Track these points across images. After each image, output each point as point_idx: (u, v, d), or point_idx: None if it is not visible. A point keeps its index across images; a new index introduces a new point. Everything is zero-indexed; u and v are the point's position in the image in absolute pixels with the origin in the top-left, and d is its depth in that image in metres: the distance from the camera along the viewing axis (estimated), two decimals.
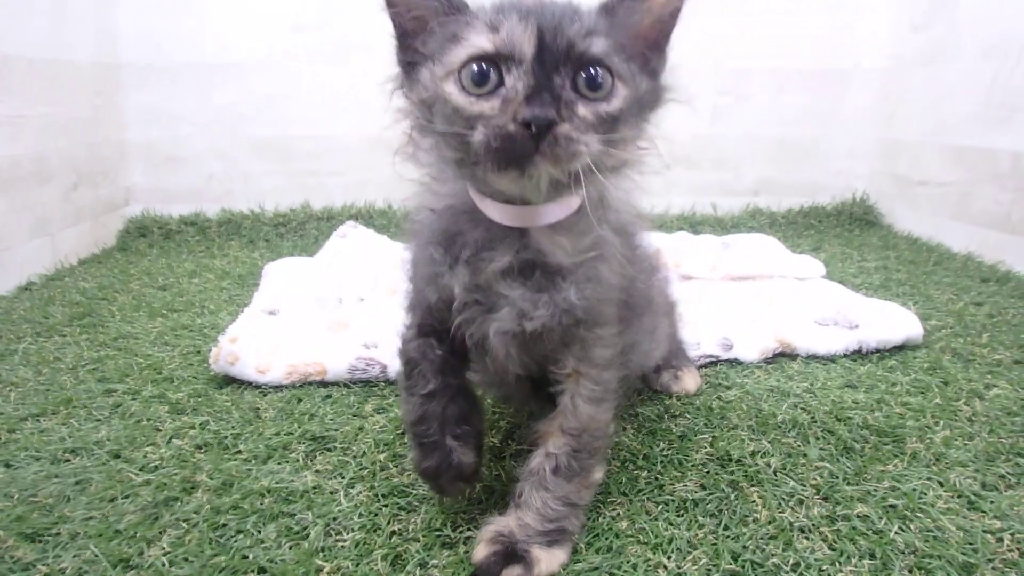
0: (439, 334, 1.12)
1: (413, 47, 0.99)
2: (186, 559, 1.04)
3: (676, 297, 1.59)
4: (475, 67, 0.90)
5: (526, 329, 1.02)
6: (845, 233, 3.26)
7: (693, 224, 3.26)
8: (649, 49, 0.99)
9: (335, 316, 1.98)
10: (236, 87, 3.29)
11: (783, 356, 1.79)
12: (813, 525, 1.11)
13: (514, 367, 1.09)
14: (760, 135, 3.49)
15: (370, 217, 3.26)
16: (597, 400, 1.08)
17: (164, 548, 1.06)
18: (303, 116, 3.32)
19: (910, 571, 1.02)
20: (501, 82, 0.89)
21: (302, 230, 3.25)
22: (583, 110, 0.89)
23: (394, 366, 1.64)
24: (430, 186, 1.09)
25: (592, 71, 0.90)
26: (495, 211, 1.00)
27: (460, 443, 1.08)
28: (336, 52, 3.25)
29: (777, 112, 3.47)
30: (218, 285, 2.47)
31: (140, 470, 1.28)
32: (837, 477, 1.24)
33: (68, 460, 1.32)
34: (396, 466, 1.29)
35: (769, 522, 1.12)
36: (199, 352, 1.84)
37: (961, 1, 2.88)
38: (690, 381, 1.59)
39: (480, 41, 0.90)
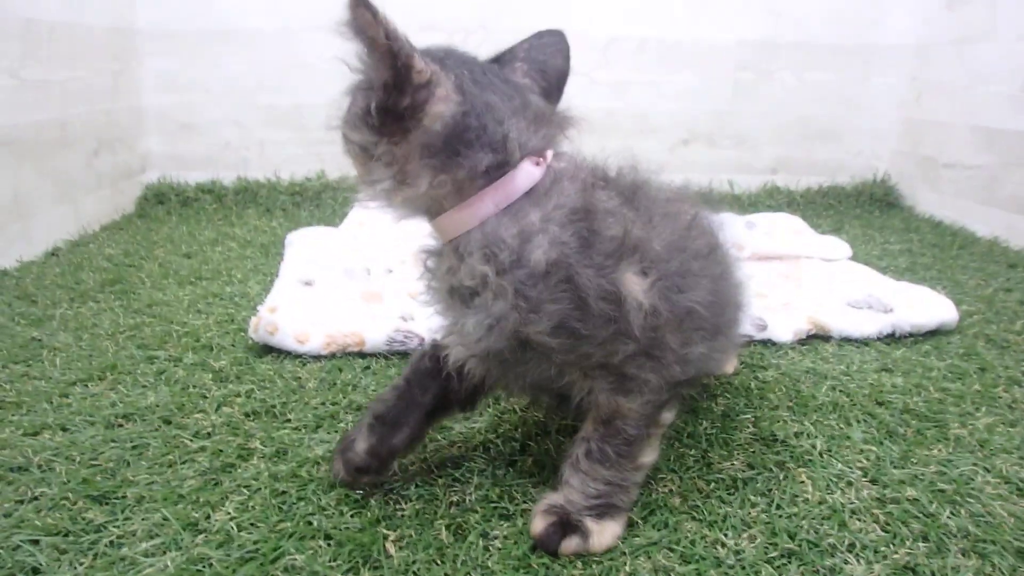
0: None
1: None
2: (252, 524, 1.05)
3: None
4: None
5: (464, 341, 1.06)
6: (865, 214, 3.26)
7: (709, 201, 3.25)
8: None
9: (367, 287, 1.99)
10: (251, 54, 3.27)
11: (816, 338, 1.80)
12: (864, 507, 1.12)
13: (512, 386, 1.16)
14: (781, 112, 3.47)
15: None
16: (626, 392, 1.05)
17: (229, 513, 1.07)
18: (318, 85, 3.28)
19: (964, 554, 1.03)
20: None
21: (318, 199, 3.25)
22: None
23: (431, 338, 1.65)
24: None
25: None
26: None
27: (367, 435, 1.14)
28: None
29: (800, 89, 3.46)
30: (241, 254, 2.48)
31: (194, 436, 1.30)
32: (883, 460, 1.25)
33: (122, 425, 1.34)
34: (444, 438, 1.31)
35: (820, 503, 1.14)
36: (233, 320, 1.85)
37: None
38: (729, 363, 1.59)
39: None
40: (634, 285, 0.98)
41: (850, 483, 1.19)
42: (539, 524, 1.04)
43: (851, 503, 1.13)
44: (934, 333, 1.83)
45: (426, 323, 1.69)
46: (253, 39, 3.25)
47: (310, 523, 1.06)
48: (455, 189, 0.98)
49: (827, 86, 3.46)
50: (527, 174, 0.98)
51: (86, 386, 1.49)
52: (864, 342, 1.79)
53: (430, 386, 1.18)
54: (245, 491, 1.14)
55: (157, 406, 1.40)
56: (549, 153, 1.02)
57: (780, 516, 1.10)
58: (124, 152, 3.09)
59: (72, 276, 2.17)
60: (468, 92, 0.97)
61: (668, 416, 1.13)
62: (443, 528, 1.06)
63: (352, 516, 1.08)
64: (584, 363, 1.03)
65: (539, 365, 1.05)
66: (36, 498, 1.12)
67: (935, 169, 3.20)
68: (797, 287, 2.08)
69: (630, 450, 1.07)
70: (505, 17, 3.25)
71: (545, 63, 1.12)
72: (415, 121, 0.95)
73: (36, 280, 2.13)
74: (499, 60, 1.12)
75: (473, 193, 0.97)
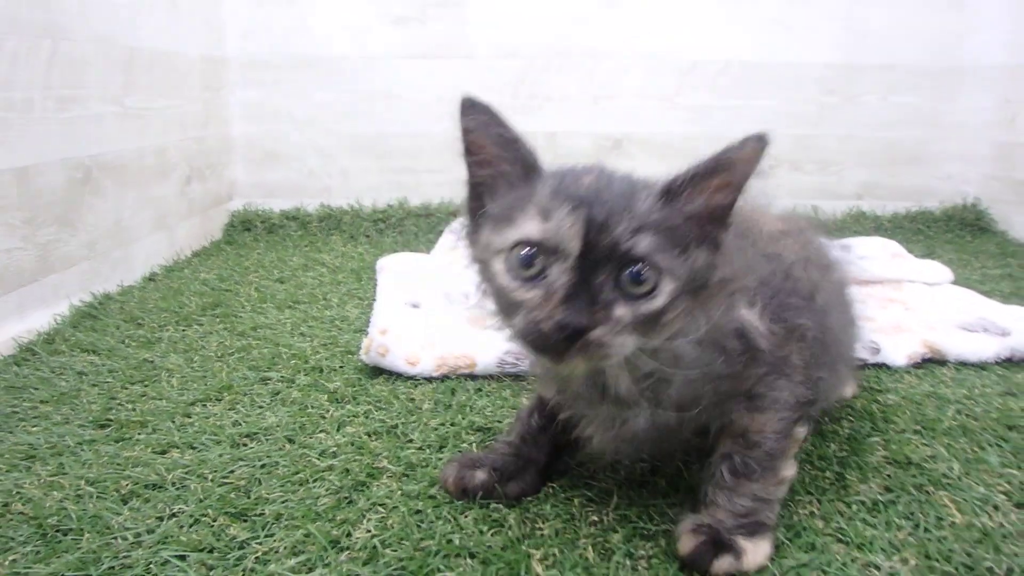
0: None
1: (482, 201, 1.02)
2: (396, 541, 1.05)
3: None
4: (523, 252, 0.92)
5: (622, 435, 1.09)
6: (957, 239, 3.20)
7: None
8: (711, 223, 0.96)
9: (471, 311, 1.98)
10: (335, 84, 3.34)
11: (931, 362, 1.77)
12: (1016, 531, 1.09)
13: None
14: (866, 136, 3.44)
15: None
16: (760, 409, 1.08)
17: (370, 530, 1.07)
18: (401, 113, 3.34)
19: None
20: (545, 270, 0.92)
21: (401, 226, 3.28)
22: (621, 311, 0.90)
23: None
24: None
25: (635, 270, 0.90)
26: None
27: (488, 473, 1.18)
28: (435, 49, 3.28)
29: (885, 112, 3.42)
30: (334, 279, 2.51)
31: (320, 455, 1.30)
32: None
33: (246, 444, 1.35)
34: (570, 457, 1.29)
35: (968, 526, 1.10)
36: (337, 343, 1.86)
37: None
38: (847, 387, 1.57)
39: (530, 228, 0.92)
40: (749, 316, 1.04)
41: (996, 507, 1.15)
42: (688, 543, 1.02)
43: (1001, 528, 1.10)
44: None
45: None
46: (337, 69, 3.32)
47: (451, 541, 1.05)
48: None
49: (914, 109, 3.42)
50: None
51: (205, 406, 1.51)
52: (982, 366, 1.75)
53: (543, 443, 1.22)
54: (381, 509, 1.13)
55: (278, 426, 1.41)
56: None
57: (929, 539, 1.07)
58: (213, 180, 3.16)
59: (174, 300, 2.21)
60: None
61: (801, 431, 1.14)
62: (588, 547, 1.04)
63: (492, 535, 1.07)
64: (722, 398, 1.06)
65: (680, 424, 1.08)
66: (175, 515, 1.12)
67: None
68: (905, 310, 2.04)
69: (773, 463, 1.08)
70: (584, 42, 3.28)
71: None
72: None
73: (139, 304, 2.17)
74: None
75: None
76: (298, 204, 3.40)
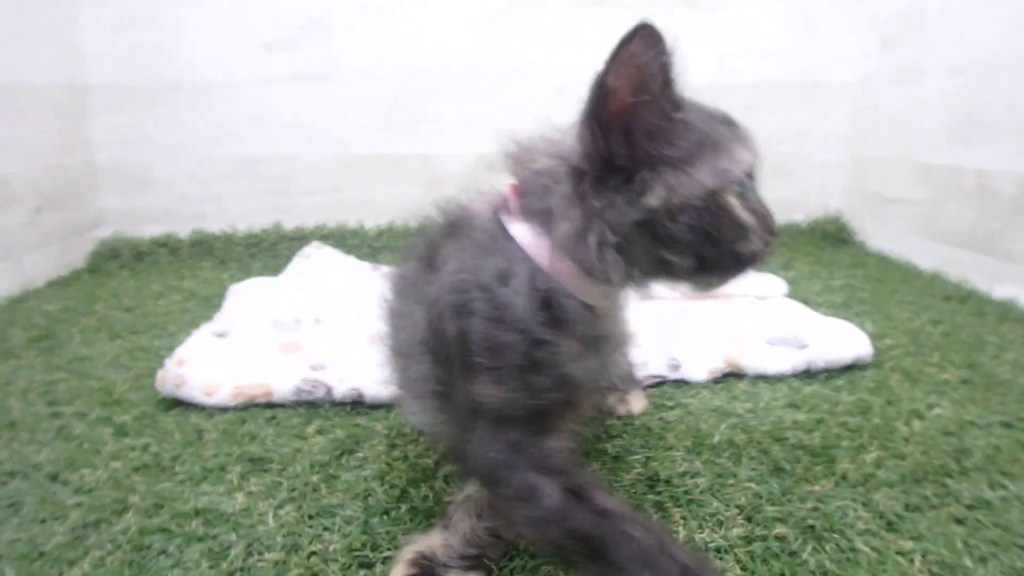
0: None
1: (634, 146, 0.97)
2: None
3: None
4: (744, 180, 1.02)
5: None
6: (816, 251, 3.25)
7: None
8: None
9: (288, 338, 1.98)
10: (206, 108, 3.30)
11: (732, 376, 1.80)
12: (729, 546, 1.12)
13: None
14: None
15: (342, 237, 3.26)
16: None
17: (84, 570, 1.07)
18: (273, 137, 3.33)
19: None
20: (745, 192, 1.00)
21: (274, 250, 3.25)
22: None
23: (339, 388, 1.65)
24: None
25: None
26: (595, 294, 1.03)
27: None
28: (306, 73, 3.27)
29: (751, 129, 3.45)
30: (183, 306, 2.48)
31: (74, 492, 1.29)
32: (762, 498, 1.25)
33: (5, 483, 1.33)
34: (328, 487, 1.30)
35: (686, 543, 1.13)
36: (152, 374, 1.83)
37: (928, 20, 2.91)
38: (635, 403, 1.59)
39: (748, 157, 1.02)
40: None
41: (722, 522, 1.18)
42: (399, 572, 1.03)
43: (717, 542, 1.13)
44: (851, 367, 1.82)
45: (336, 373, 1.70)
46: (207, 93, 3.28)
47: None
48: None
49: (778, 125, 3.48)
50: None
51: None
52: (779, 379, 1.78)
53: None
54: (108, 546, 1.13)
55: (46, 462, 1.39)
56: None
57: None
58: (74, 208, 3.10)
59: (0, 333, 2.16)
60: None
61: None
62: None
63: (209, 568, 1.07)
64: None
65: None
66: None
67: (881, 204, 3.22)
68: (721, 324, 2.06)
69: None
70: (456, 64, 3.31)
71: None
72: None
73: None
74: None
75: None
76: (170, 230, 3.36)
